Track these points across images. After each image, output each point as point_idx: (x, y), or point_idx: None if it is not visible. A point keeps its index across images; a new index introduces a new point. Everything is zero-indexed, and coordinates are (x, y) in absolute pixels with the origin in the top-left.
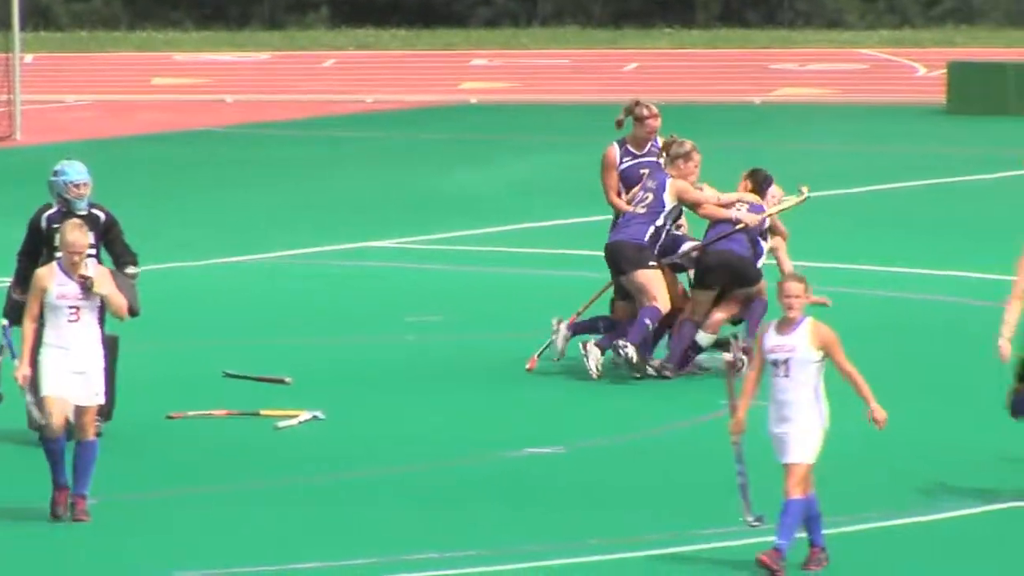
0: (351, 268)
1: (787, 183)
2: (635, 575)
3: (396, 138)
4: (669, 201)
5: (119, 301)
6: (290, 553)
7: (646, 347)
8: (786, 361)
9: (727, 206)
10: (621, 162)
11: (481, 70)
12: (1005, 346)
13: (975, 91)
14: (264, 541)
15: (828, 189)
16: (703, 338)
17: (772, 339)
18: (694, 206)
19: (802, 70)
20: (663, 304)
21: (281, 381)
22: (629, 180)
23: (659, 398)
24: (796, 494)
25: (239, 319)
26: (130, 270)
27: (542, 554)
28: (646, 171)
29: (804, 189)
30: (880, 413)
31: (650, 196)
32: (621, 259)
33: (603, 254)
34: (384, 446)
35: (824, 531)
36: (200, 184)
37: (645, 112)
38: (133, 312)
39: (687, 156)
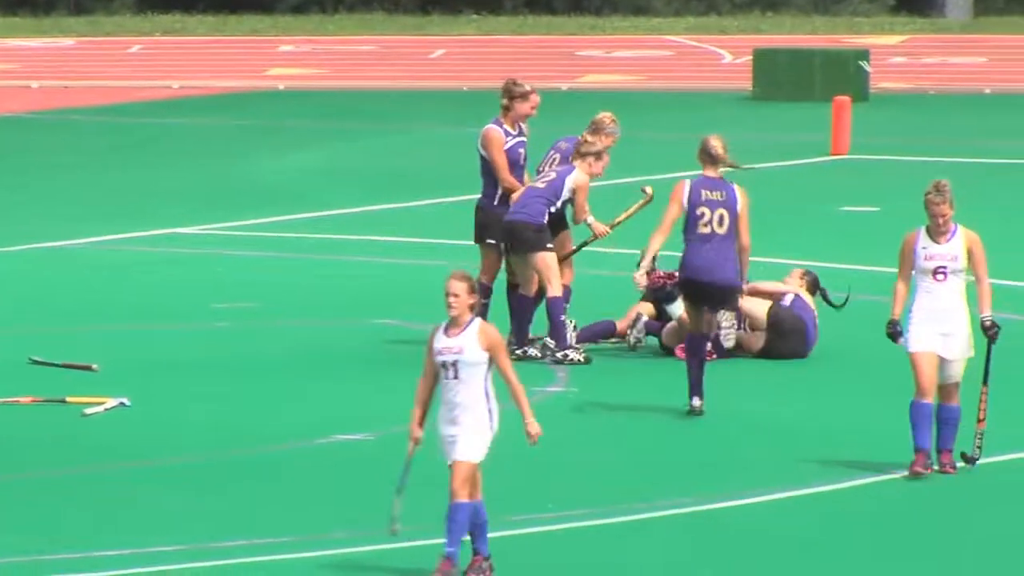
0: (158, 254)
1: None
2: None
3: (203, 124)
4: (567, 190)
5: None
6: (92, 540)
7: (561, 337)
8: (454, 363)
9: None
10: (505, 142)
11: (289, 56)
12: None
13: (781, 77)
14: (68, 528)
15: (634, 176)
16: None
17: (440, 341)
18: (578, 207)
19: (609, 57)
20: (558, 289)
21: (88, 368)
22: (510, 160)
23: None
24: (462, 496)
25: (45, 306)
26: None
27: (347, 541)
28: (523, 151)
29: (647, 190)
30: (534, 427)
31: (553, 175)
32: (520, 241)
33: (474, 217)
34: (191, 432)
35: (488, 534)
36: (5, 170)
37: (527, 88)
38: None
39: (598, 156)
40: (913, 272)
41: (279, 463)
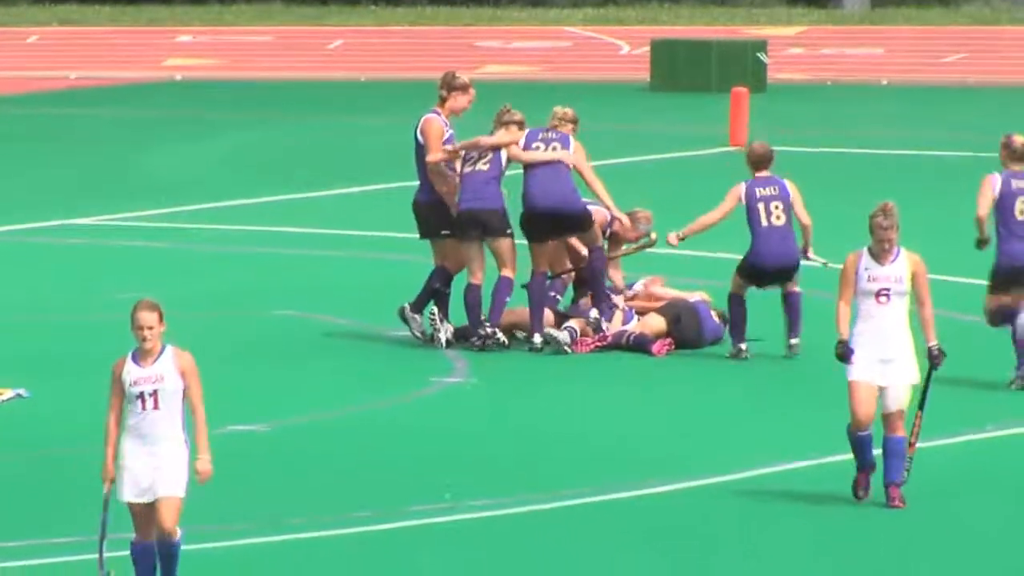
0: (54, 246)
1: None
2: (331, 553)
3: (100, 115)
4: (503, 159)
5: None
6: None
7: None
8: (153, 393)
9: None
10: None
11: (186, 47)
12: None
13: (679, 68)
14: None
15: None
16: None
17: (133, 372)
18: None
19: (507, 47)
20: (513, 272)
21: None
22: None
23: (366, 375)
24: (175, 532)
25: None
26: None
27: (238, 533)
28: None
29: (653, 236)
30: (204, 465)
31: (489, 153)
32: (486, 228)
33: (415, 213)
34: (89, 424)
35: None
36: None
37: (467, 79)
38: None
39: (521, 124)
40: (855, 295)
41: None
